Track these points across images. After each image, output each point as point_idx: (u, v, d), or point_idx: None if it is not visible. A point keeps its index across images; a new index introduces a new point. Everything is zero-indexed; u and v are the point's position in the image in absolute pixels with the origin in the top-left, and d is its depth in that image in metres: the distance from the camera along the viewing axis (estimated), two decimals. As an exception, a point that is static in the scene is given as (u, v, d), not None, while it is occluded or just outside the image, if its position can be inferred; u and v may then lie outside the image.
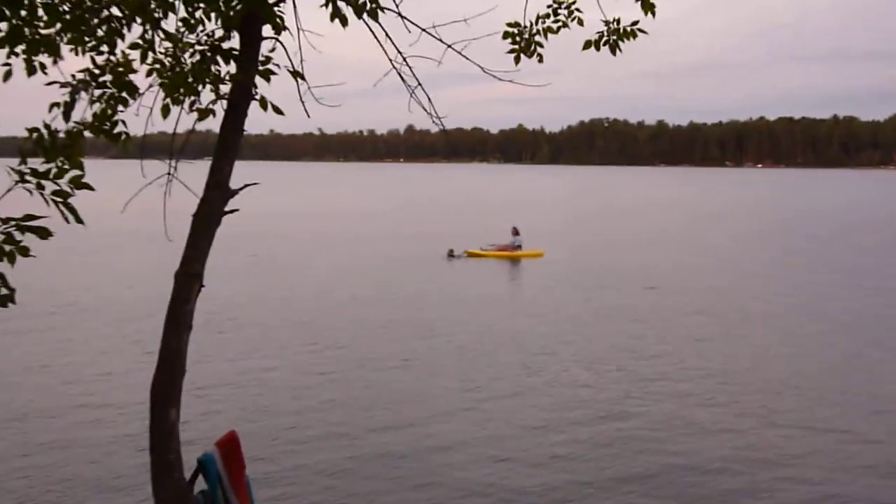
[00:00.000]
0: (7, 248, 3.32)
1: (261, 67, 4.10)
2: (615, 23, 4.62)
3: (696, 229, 38.53)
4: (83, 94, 3.91)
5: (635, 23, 4.60)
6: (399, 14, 4.17)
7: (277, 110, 4.10)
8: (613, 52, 4.61)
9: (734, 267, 24.71)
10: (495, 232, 31.32)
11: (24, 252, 3.34)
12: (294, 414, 10.26)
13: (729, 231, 37.45)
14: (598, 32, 4.66)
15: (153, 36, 3.99)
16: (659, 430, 9.67)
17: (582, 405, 10.76)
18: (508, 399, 10.98)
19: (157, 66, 4.03)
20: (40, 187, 3.35)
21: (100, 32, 3.91)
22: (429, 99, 4.26)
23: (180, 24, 4.02)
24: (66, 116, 3.80)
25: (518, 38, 4.66)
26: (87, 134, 3.88)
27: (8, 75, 3.68)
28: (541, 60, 4.67)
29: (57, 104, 3.81)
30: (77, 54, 3.93)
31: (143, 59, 4.00)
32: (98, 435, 9.40)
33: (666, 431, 9.63)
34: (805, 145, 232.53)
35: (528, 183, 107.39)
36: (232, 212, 4.20)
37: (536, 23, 4.66)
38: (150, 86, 4.03)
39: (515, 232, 27.63)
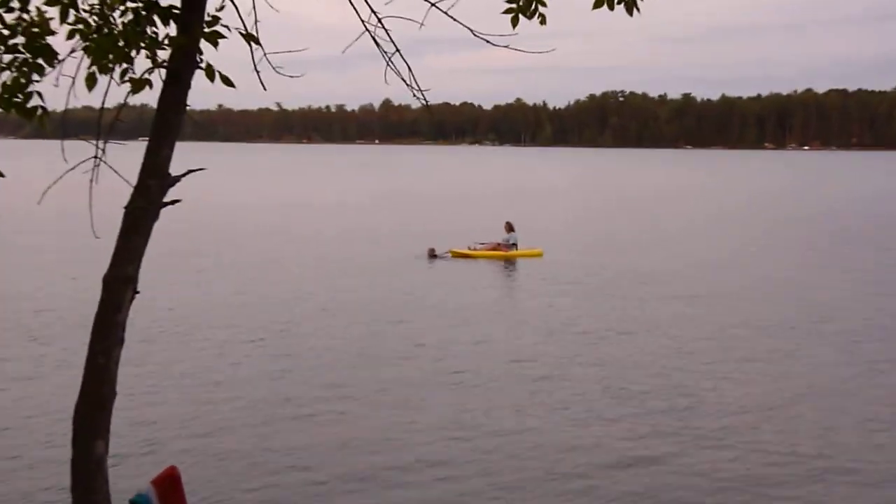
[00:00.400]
0: None
1: (207, 29, 4.07)
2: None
3: (728, 224, 38.80)
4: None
5: (656, -24, 4.54)
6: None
7: (227, 81, 4.07)
8: (630, 12, 4.44)
9: (774, 269, 24.91)
10: (486, 228, 31.25)
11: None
12: (247, 446, 10.25)
13: (768, 227, 37.73)
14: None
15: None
16: (699, 491, 9.18)
17: (598, 445, 10.51)
18: (509, 438, 10.78)
19: (81, 26, 3.96)
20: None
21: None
22: (409, 68, 4.26)
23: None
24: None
25: (516, -5, 4.51)
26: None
27: None
28: (543, 22, 4.49)
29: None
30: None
31: (64, 17, 3.93)
32: (7, 473, 9.32)
33: (707, 489, 9.19)
34: (861, 123, 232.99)
35: (528, 169, 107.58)
36: (173, 203, 4.19)
37: (538, -25, 4.49)
38: (73, 50, 3.98)
39: (510, 228, 27.67)
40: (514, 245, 27.30)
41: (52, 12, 3.92)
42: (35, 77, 3.94)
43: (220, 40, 4.03)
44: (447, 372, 13.66)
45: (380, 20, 4.17)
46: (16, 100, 3.90)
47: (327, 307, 18.60)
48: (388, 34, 4.18)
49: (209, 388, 12.59)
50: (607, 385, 13.00)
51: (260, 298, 19.54)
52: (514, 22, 4.47)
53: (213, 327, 16.50)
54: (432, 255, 26.29)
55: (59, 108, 4.01)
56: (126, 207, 4.08)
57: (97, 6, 3.97)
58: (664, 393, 12.58)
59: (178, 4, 4.06)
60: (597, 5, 4.42)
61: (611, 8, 4.44)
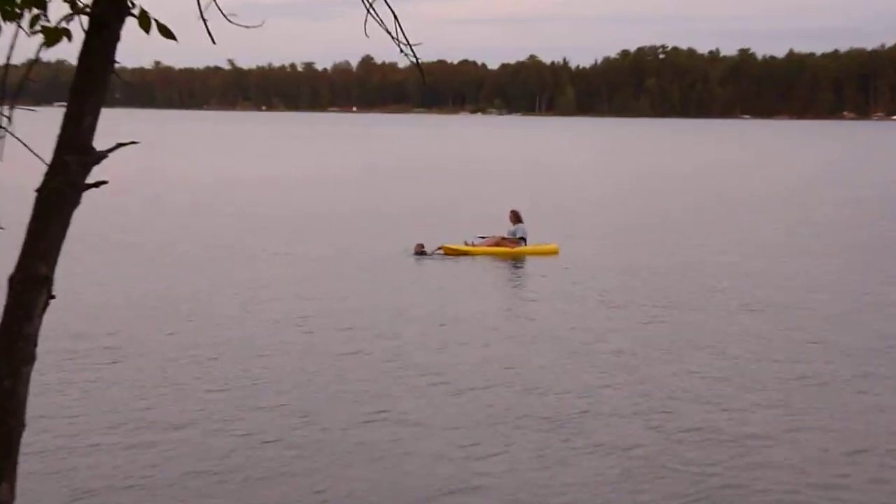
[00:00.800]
0: None
1: (140, -35, 4.07)
2: None
3: (797, 215, 38.87)
4: None
5: None
6: None
7: (166, 32, 4.06)
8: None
9: (860, 278, 24.76)
10: (487, 217, 31.27)
11: None
12: (189, 495, 10.31)
13: (850, 221, 37.66)
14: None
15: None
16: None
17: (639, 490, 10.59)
18: (528, 477, 10.74)
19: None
20: None
21: None
22: (395, 17, 4.23)
23: None
24: None
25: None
26: None
27: None
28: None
29: None
30: None
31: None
32: None
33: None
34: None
35: (543, 144, 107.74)
36: (98, 185, 4.18)
37: None
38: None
39: (516, 218, 27.57)
40: (523, 240, 27.25)
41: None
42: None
43: (157, -20, 4.03)
44: (439, 406, 13.51)
45: (358, -45, 4.15)
46: None
47: (288, 319, 18.57)
48: (368, -28, 4.14)
49: (144, 418, 12.59)
50: (648, 421, 12.86)
51: (207, 308, 19.55)
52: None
53: (150, 341, 16.49)
54: (420, 252, 26.22)
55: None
56: (38, 190, 4.08)
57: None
58: (724, 434, 12.44)
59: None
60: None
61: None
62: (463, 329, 18.19)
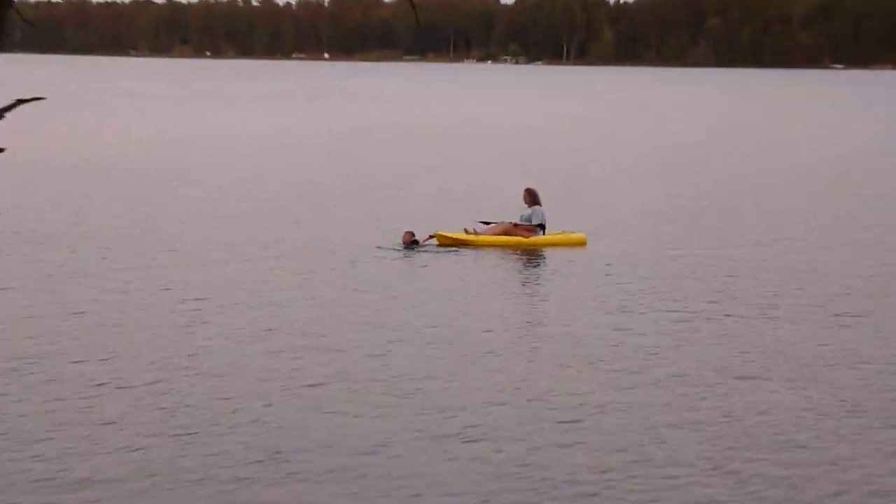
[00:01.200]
0: None
1: None
2: None
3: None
4: None
5: None
6: None
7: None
8: None
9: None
10: (494, 197, 31.16)
11: None
12: None
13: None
14: None
15: None
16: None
17: None
18: None
19: None
20: None
21: None
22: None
23: None
24: None
25: None
26: None
27: None
28: None
29: None
30: None
31: None
32: None
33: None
34: None
35: (571, 101, 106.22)
36: (-9, 152, 4.36)
37: None
38: None
39: (532, 198, 26.96)
40: (540, 227, 26.75)
41: None
42: None
43: None
44: (436, 438, 13.53)
45: None
46: None
47: (247, 328, 18.49)
48: None
49: (75, 447, 12.71)
50: (715, 466, 12.80)
51: (139, 312, 19.49)
52: None
53: (67, 355, 16.52)
54: (410, 242, 26.19)
55: None
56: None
57: None
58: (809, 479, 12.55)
59: None
60: None
61: None
62: (463, 341, 17.83)
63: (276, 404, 14.69)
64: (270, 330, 18.56)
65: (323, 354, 17.19)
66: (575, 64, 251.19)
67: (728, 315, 20.01)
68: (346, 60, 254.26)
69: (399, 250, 25.69)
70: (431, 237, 26.30)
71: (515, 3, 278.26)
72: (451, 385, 15.85)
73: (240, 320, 19.28)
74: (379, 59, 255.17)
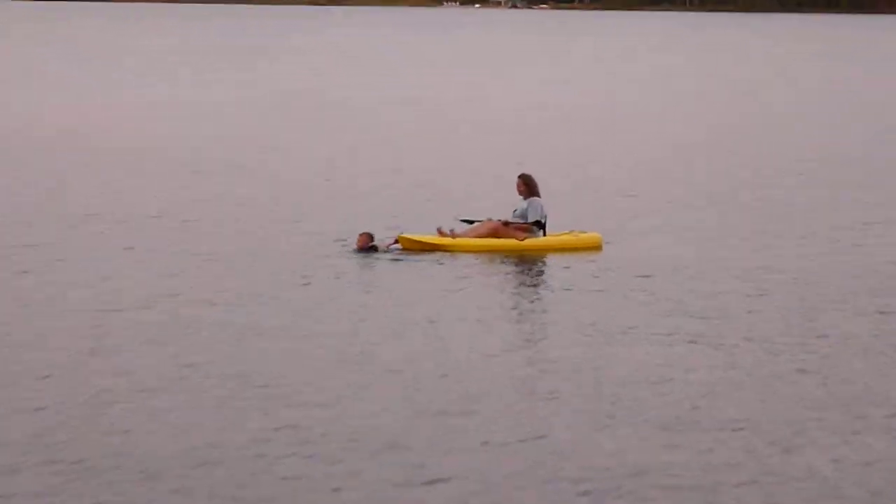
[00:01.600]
0: None
1: None
2: None
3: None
4: None
5: None
6: None
7: None
8: None
9: None
10: (480, 188, 31.19)
11: None
12: None
13: None
14: None
15: None
16: None
17: None
18: None
19: None
20: None
21: None
22: None
23: None
24: None
25: None
26: None
27: None
28: None
29: None
30: None
31: None
32: None
33: None
34: None
35: (580, 58, 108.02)
36: None
37: None
38: None
39: (529, 188, 26.27)
40: (539, 224, 26.65)
41: None
42: None
43: None
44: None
45: None
46: None
47: (169, 364, 17.89)
48: None
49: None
50: None
51: (43, 324, 19.89)
52: None
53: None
54: (367, 246, 25.69)
55: None
56: None
57: None
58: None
59: None
60: None
61: None
62: (439, 374, 17.47)
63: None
64: (194, 365, 18.62)
65: (267, 390, 16.88)
66: (586, 7, 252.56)
67: (811, 352, 19.53)
68: (281, 4, 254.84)
69: (351, 258, 25.45)
70: (396, 242, 25.83)
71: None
72: (434, 437, 15.51)
73: (156, 350, 19.15)
74: (330, 3, 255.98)
